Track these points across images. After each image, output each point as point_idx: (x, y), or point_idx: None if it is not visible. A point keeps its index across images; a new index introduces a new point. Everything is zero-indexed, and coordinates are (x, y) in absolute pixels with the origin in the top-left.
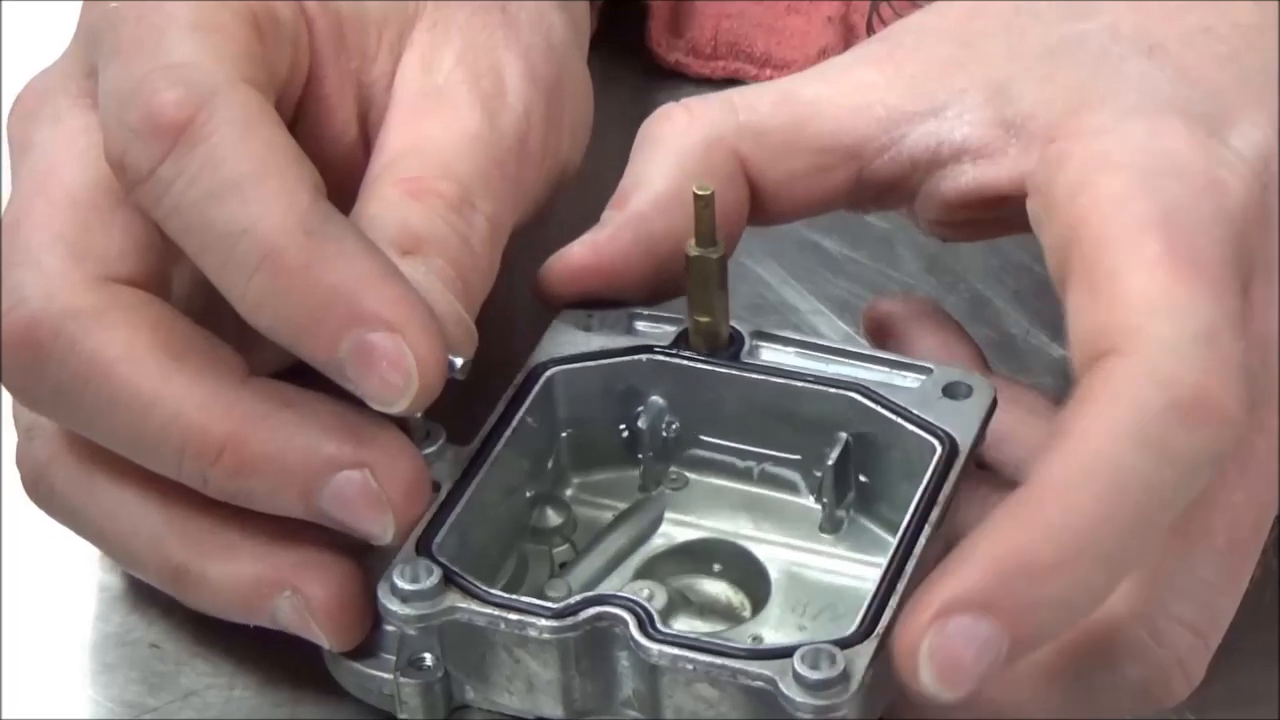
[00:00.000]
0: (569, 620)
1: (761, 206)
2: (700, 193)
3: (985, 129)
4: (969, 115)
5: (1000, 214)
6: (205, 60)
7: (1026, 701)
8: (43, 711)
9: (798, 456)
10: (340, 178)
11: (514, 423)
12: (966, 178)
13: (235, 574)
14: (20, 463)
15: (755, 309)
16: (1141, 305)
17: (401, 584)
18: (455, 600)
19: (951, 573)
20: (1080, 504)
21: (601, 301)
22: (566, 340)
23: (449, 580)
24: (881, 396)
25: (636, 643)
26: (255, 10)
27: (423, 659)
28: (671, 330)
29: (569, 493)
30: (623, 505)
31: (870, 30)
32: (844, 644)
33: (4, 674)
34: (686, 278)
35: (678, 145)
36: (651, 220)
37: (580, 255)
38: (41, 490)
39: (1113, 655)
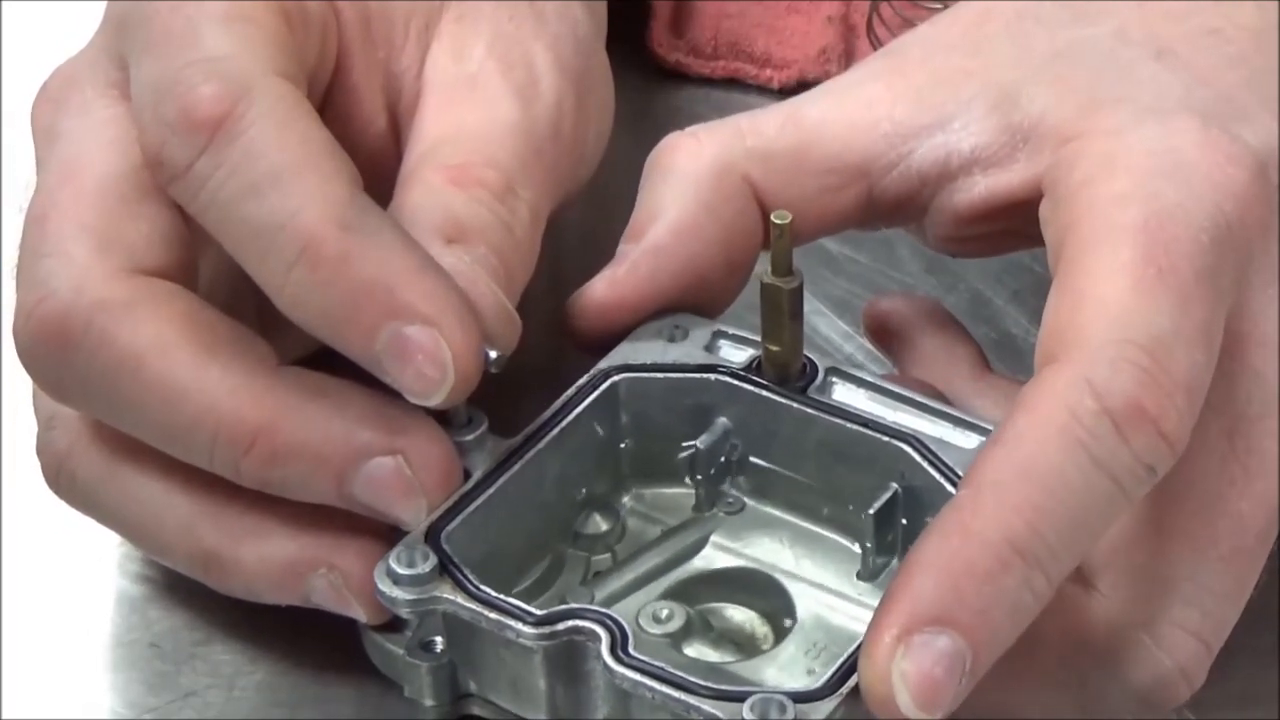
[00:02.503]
0: (546, 629)
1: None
2: (778, 221)
3: (993, 136)
4: (975, 125)
5: (1011, 225)
6: (240, 53)
7: (1030, 705)
8: (43, 711)
9: (850, 498)
10: (369, 167)
11: (563, 423)
12: (978, 188)
13: (270, 556)
14: (40, 453)
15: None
16: (1097, 312)
17: (396, 568)
18: (444, 591)
19: (905, 588)
20: (1016, 507)
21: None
22: (644, 348)
23: (444, 570)
24: (931, 453)
25: (604, 662)
26: (285, 2)
27: (433, 642)
28: (751, 354)
29: (626, 502)
30: (676, 523)
31: (870, 30)
32: (803, 697)
33: (4, 674)
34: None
35: (690, 174)
36: (669, 251)
37: (602, 292)
38: (63, 480)
39: (1117, 661)
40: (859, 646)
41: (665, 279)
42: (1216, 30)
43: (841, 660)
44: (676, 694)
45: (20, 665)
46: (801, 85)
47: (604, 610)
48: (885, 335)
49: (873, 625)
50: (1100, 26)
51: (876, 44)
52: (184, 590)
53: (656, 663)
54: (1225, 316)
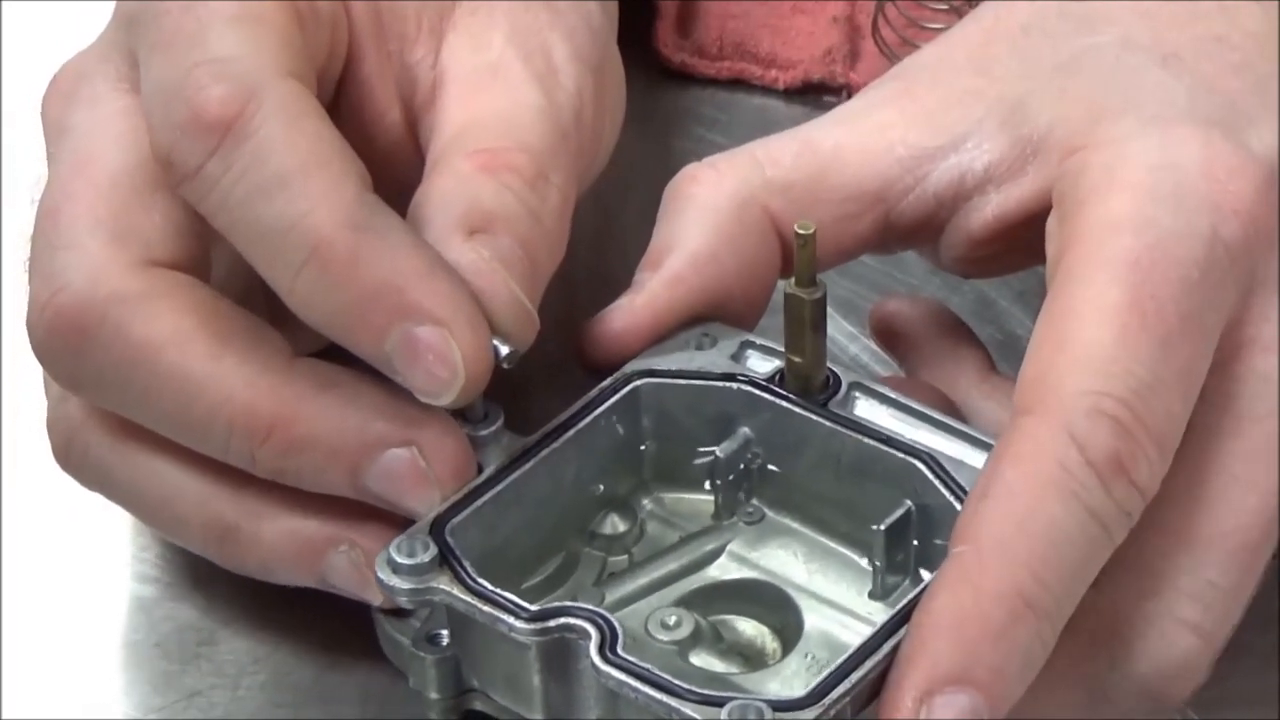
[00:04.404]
0: (538, 625)
1: (791, 260)
2: (802, 231)
3: (1005, 151)
4: (988, 143)
5: (1022, 242)
6: (249, 54)
7: (1042, 704)
8: (46, 711)
9: (865, 514)
10: (383, 159)
11: (581, 424)
12: (991, 206)
13: (290, 530)
14: (52, 427)
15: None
16: (1077, 361)
17: (396, 557)
18: (441, 582)
19: (922, 649)
20: (1022, 561)
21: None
22: (671, 354)
23: (444, 561)
24: (945, 471)
25: (591, 660)
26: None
27: (439, 635)
28: (776, 364)
29: (647, 505)
30: (695, 529)
31: (876, 30)
32: (784, 705)
33: (5, 673)
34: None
35: (709, 206)
36: (687, 280)
37: (619, 320)
38: (74, 455)
39: (1124, 654)
40: (848, 658)
41: (682, 310)
42: (1221, 37)
43: (828, 672)
44: (658, 695)
45: (23, 665)
46: (806, 86)
47: (596, 609)
48: (891, 338)
49: (892, 686)
50: (1105, 34)
51: (882, 44)
52: (188, 590)
53: (643, 664)
54: (1215, 344)
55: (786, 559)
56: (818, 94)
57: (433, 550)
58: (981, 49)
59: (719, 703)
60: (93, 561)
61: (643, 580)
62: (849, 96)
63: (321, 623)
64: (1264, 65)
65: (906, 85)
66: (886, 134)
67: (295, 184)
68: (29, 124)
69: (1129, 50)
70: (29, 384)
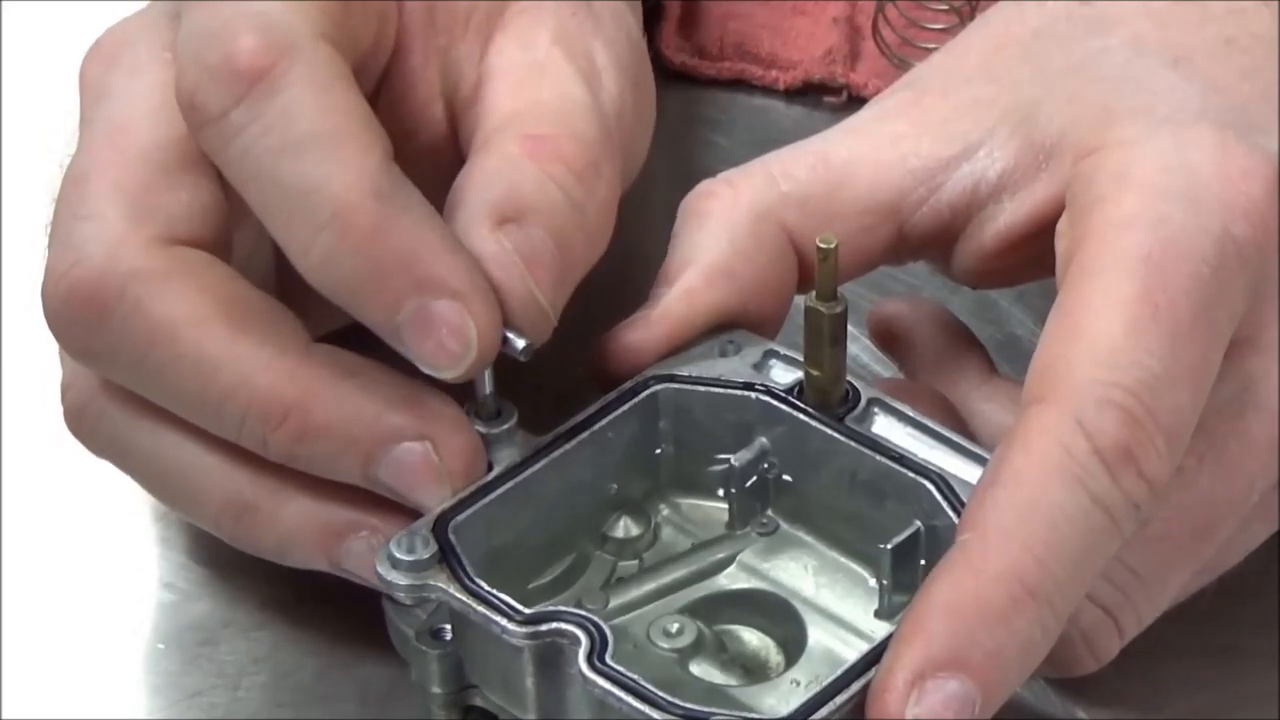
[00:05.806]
0: (530, 629)
1: (808, 274)
2: (823, 246)
3: (1017, 158)
4: (999, 151)
5: (1035, 252)
6: (290, 13)
7: None
8: (45, 712)
9: (876, 531)
10: (423, 153)
11: (596, 426)
12: (1004, 214)
13: (311, 512)
14: (66, 391)
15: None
16: (1088, 351)
17: (396, 552)
18: (439, 580)
19: (917, 631)
20: (1024, 545)
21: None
22: (694, 360)
23: (443, 559)
24: (953, 494)
25: (578, 666)
26: None
27: (443, 630)
28: (798, 375)
29: (663, 511)
30: (709, 537)
31: (876, 31)
32: None
33: (5, 674)
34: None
35: (725, 221)
36: (703, 295)
37: (633, 334)
38: (86, 422)
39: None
40: (837, 678)
41: (699, 324)
42: (1232, 40)
43: (814, 693)
44: (640, 706)
45: (24, 666)
46: (807, 86)
47: (588, 615)
48: (891, 340)
49: (884, 668)
50: (1115, 37)
51: (882, 45)
52: (189, 591)
53: (629, 674)
54: (1226, 343)
55: (796, 571)
56: (818, 94)
57: (432, 547)
58: (991, 55)
59: (701, 718)
60: (92, 562)
61: (650, 585)
62: (849, 97)
63: (322, 623)
64: (1272, 69)
65: (917, 94)
66: (899, 145)
67: (322, 146)
68: (29, 123)
69: (1139, 53)
70: (28, 382)
